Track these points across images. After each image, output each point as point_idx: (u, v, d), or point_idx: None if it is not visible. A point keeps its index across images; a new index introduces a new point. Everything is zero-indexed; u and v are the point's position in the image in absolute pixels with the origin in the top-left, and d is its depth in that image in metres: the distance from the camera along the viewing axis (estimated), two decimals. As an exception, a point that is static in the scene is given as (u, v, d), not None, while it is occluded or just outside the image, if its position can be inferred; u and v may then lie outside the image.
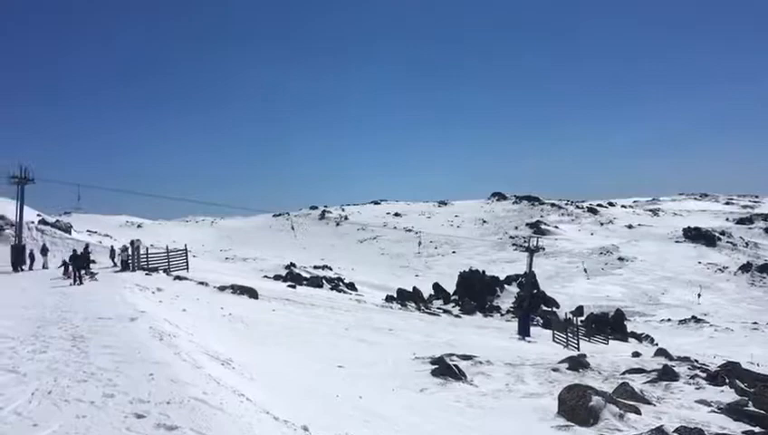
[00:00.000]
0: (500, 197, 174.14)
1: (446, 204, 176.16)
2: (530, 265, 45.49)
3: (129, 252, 36.73)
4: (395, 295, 55.82)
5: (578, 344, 31.97)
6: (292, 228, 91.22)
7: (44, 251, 38.26)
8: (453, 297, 68.28)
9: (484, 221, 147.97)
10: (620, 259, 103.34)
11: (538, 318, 50.69)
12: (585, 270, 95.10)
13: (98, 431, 5.62)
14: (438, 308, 55.68)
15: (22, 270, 33.95)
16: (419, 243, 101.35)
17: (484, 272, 76.72)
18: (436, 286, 72.33)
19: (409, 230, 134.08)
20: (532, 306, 54.37)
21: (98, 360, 8.80)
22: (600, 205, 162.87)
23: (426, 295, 64.90)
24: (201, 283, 30.75)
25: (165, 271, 35.87)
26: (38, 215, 61.33)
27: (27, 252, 36.65)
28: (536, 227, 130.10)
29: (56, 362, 8.58)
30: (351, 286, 60.15)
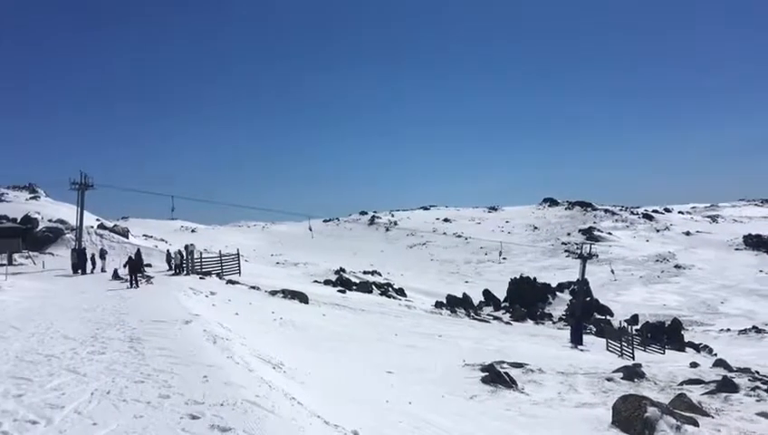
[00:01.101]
0: (551, 202, 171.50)
1: (495, 209, 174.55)
2: (582, 272, 44.64)
3: (184, 256, 37.51)
4: (444, 302, 55.49)
5: (633, 354, 31.20)
6: (310, 229, 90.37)
7: (103, 255, 39.40)
8: (503, 304, 67.50)
9: (536, 227, 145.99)
10: (677, 267, 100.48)
11: (591, 326, 49.70)
12: (640, 277, 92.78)
13: (155, 431, 5.75)
14: (488, 315, 55.12)
15: (82, 273, 34.99)
16: (500, 253, 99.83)
17: (535, 279, 75.65)
18: (487, 293, 71.63)
19: (459, 236, 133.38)
20: (585, 314, 53.35)
21: (154, 361, 9.01)
22: (655, 211, 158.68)
23: (476, 302, 64.38)
24: (253, 287, 31.19)
25: (218, 275, 36.52)
26: (97, 220, 63.34)
27: (89, 255, 37.79)
28: (589, 234, 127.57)
29: (114, 363, 8.83)
30: (401, 292, 60.00)
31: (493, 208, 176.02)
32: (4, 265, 36.52)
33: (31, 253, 46.37)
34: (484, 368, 16.11)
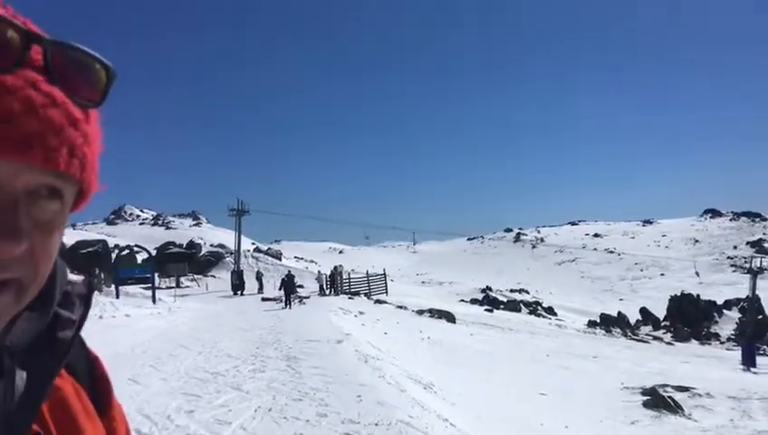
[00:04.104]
0: (714, 213, 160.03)
1: (651, 223, 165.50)
2: (753, 288, 41.16)
3: (329, 277, 38.74)
4: (598, 321, 53.20)
5: (816, 378, 28.12)
6: (366, 238, 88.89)
7: (258, 277, 41.61)
8: (663, 323, 63.45)
9: (697, 241, 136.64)
10: None
11: (765, 347, 45.46)
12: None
13: (314, 450, 5.89)
14: (647, 335, 52.04)
15: (242, 294, 37.10)
16: (696, 272, 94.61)
17: (698, 296, 70.57)
18: (644, 311, 67.74)
19: (611, 251, 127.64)
20: (758, 333, 48.91)
21: (310, 380, 9.29)
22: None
23: (632, 321, 61.10)
24: (400, 306, 31.54)
25: (366, 295, 37.30)
26: (252, 243, 67.15)
27: (255, 276, 40.23)
28: (759, 246, 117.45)
29: (274, 382, 9.19)
30: (550, 311, 58.30)
31: (647, 222, 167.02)
32: (172, 287, 39.60)
33: (195, 276, 49.95)
34: (646, 391, 15.17)
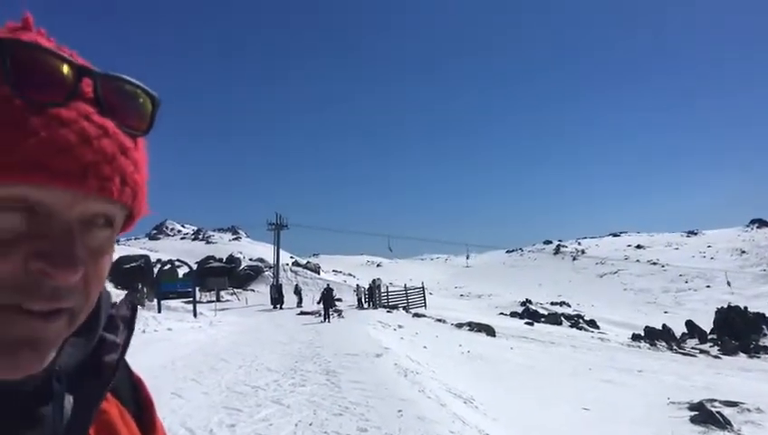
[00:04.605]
0: (761, 223, 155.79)
1: (695, 234, 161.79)
2: (803, 300, 39.79)
3: (367, 290, 38.73)
4: (642, 334, 52.09)
5: None
6: (390, 250, 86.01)
7: (297, 290, 41.87)
8: (710, 336, 61.88)
9: (743, 251, 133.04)
10: None
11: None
12: None
13: (355, 465, 5.85)
14: (693, 348, 50.72)
15: (281, 308, 37.35)
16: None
17: (746, 308, 68.65)
18: (689, 324, 66.12)
19: (654, 263, 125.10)
20: (809, 347, 47.27)
21: (350, 394, 9.26)
22: None
23: (677, 334, 59.69)
24: (439, 320, 31.37)
25: (404, 308, 37.20)
26: (291, 257, 67.59)
27: (293, 290, 40.52)
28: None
29: (314, 396, 9.19)
30: (592, 323, 57.29)
31: (692, 233, 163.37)
32: (213, 301, 40.09)
33: (235, 290, 50.50)
34: (693, 406, 14.75)
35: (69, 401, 0.69)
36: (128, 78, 0.65)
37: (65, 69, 0.59)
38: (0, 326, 0.57)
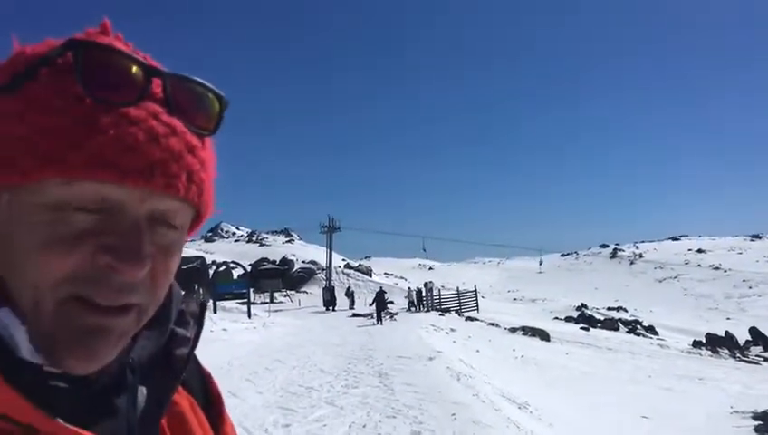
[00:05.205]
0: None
1: (760, 237, 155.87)
2: None
3: (423, 293, 38.64)
4: (703, 341, 50.51)
5: None
6: (424, 250, 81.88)
7: (349, 293, 42.09)
8: (775, 344, 59.65)
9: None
10: None
11: None
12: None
13: (409, 468, 5.82)
14: (757, 356, 48.93)
15: (333, 310, 37.60)
16: None
17: (814, 315, 65.91)
18: (753, 331, 63.79)
19: (716, 268, 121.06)
20: None
21: (403, 397, 9.23)
22: None
23: (741, 341, 57.68)
24: (491, 324, 31.09)
25: (456, 312, 37.00)
26: (343, 259, 68.01)
27: (345, 292, 40.79)
28: None
29: (367, 398, 9.19)
30: (651, 329, 55.78)
31: (756, 236, 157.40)
32: (267, 302, 40.65)
33: (288, 291, 51.10)
34: (757, 416, 14.22)
35: (142, 392, 0.71)
36: (196, 79, 0.67)
37: (135, 70, 0.61)
38: (69, 318, 0.59)
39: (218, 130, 0.70)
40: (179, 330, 0.79)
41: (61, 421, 0.59)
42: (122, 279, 0.60)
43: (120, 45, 0.64)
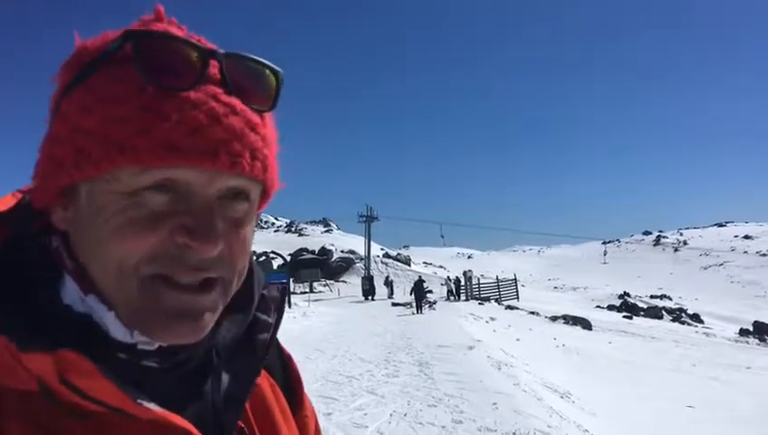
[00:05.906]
0: None
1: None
2: None
3: (462, 282, 38.50)
4: (751, 329, 49.30)
5: None
6: (442, 237, 79.66)
7: (388, 282, 42.16)
8: (827, 332, 57.95)
9: None
10: None
11: None
12: None
13: (450, 457, 5.80)
14: (808, 344, 47.68)
15: (372, 299, 37.72)
16: None
17: None
18: (803, 319, 62.21)
19: (764, 255, 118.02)
20: None
21: (443, 386, 9.22)
22: None
23: (790, 329, 56.17)
24: (532, 312, 30.84)
25: (496, 300, 36.80)
26: (382, 249, 68.13)
27: (383, 281, 40.87)
28: None
29: (407, 387, 9.21)
30: (696, 318, 54.70)
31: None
32: (306, 292, 40.99)
33: (328, 281, 51.41)
34: (809, 407, 13.82)
35: (226, 376, 0.75)
36: (252, 56, 0.68)
37: (193, 54, 0.63)
38: (153, 297, 0.63)
39: (276, 105, 0.71)
40: (261, 315, 0.82)
41: (149, 405, 0.61)
42: (199, 256, 0.63)
43: (174, 30, 0.66)
